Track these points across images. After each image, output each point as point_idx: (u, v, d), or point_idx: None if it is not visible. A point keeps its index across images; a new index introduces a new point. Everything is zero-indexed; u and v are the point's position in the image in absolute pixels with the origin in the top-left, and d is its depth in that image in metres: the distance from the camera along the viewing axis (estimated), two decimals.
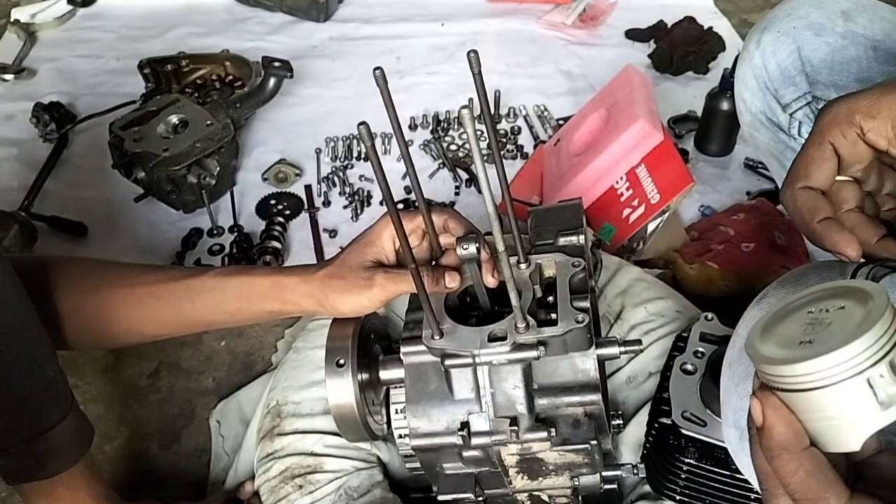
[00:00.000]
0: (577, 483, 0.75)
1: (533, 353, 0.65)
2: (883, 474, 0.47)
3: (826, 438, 0.46)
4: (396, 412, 0.79)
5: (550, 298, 0.71)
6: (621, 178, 1.34)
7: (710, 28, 1.88)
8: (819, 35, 0.85)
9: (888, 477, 0.47)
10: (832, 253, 0.58)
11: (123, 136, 1.43)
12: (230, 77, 1.78)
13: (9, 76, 1.83)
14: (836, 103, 0.59)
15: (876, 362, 0.43)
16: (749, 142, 1.02)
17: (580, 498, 0.79)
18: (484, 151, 1.55)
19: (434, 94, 1.78)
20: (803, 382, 0.44)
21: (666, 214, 1.35)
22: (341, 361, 0.75)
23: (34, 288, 0.79)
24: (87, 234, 1.45)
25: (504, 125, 1.70)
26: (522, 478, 0.74)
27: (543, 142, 1.64)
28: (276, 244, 1.38)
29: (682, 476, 0.86)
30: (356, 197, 1.52)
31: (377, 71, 0.55)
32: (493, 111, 1.70)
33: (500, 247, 0.61)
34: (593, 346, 0.68)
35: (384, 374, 0.77)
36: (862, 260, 0.58)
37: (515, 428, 0.68)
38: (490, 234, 0.62)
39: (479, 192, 1.52)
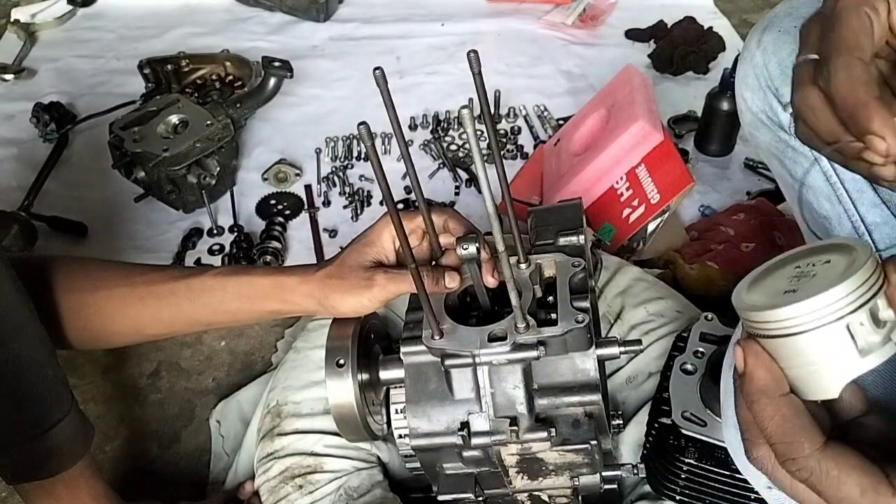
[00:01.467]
0: (577, 483, 0.75)
1: (533, 353, 0.65)
2: (867, 434, 0.48)
3: (805, 385, 0.46)
4: (396, 412, 0.79)
5: (550, 298, 0.71)
6: (621, 178, 1.34)
7: (710, 28, 1.88)
8: None
9: (872, 436, 0.47)
10: (873, 143, 0.51)
11: (123, 136, 1.43)
12: (230, 77, 1.78)
13: (9, 76, 1.82)
14: None
15: (856, 309, 0.43)
16: (750, 141, 1.01)
17: (580, 498, 0.79)
18: (484, 151, 1.54)
19: (434, 94, 1.78)
20: (784, 328, 0.45)
21: (666, 214, 1.35)
22: (341, 361, 0.75)
23: (34, 288, 0.79)
24: (87, 234, 1.45)
25: (504, 125, 1.70)
26: (522, 478, 0.74)
27: (543, 142, 1.63)
28: (276, 244, 1.38)
29: (682, 476, 0.86)
30: (356, 197, 1.52)
31: (377, 71, 0.55)
32: (493, 111, 1.70)
33: (500, 247, 0.61)
34: (593, 346, 0.68)
35: (384, 374, 0.77)
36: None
37: (515, 428, 0.68)
38: (490, 234, 0.62)
39: (479, 192, 1.52)
